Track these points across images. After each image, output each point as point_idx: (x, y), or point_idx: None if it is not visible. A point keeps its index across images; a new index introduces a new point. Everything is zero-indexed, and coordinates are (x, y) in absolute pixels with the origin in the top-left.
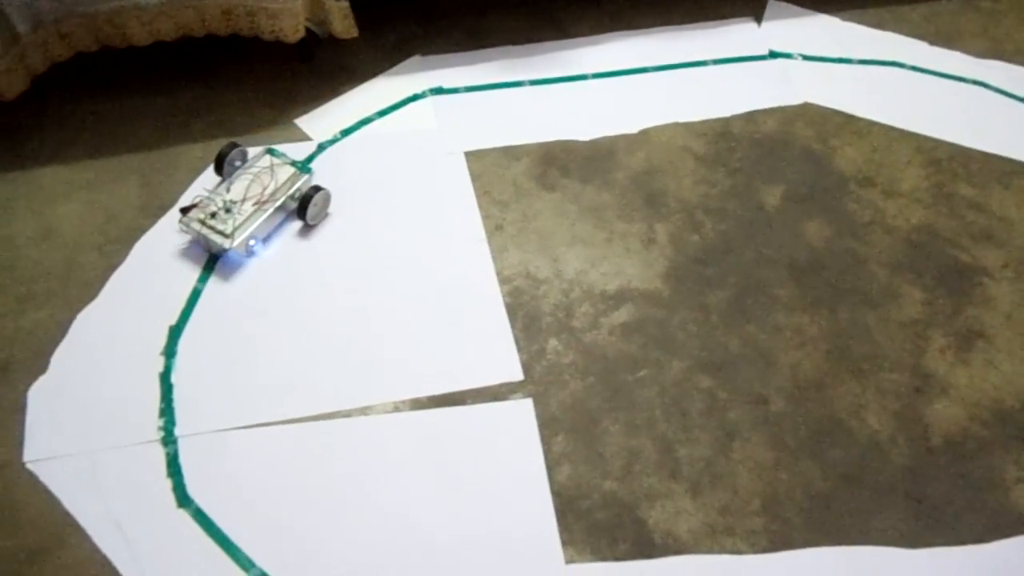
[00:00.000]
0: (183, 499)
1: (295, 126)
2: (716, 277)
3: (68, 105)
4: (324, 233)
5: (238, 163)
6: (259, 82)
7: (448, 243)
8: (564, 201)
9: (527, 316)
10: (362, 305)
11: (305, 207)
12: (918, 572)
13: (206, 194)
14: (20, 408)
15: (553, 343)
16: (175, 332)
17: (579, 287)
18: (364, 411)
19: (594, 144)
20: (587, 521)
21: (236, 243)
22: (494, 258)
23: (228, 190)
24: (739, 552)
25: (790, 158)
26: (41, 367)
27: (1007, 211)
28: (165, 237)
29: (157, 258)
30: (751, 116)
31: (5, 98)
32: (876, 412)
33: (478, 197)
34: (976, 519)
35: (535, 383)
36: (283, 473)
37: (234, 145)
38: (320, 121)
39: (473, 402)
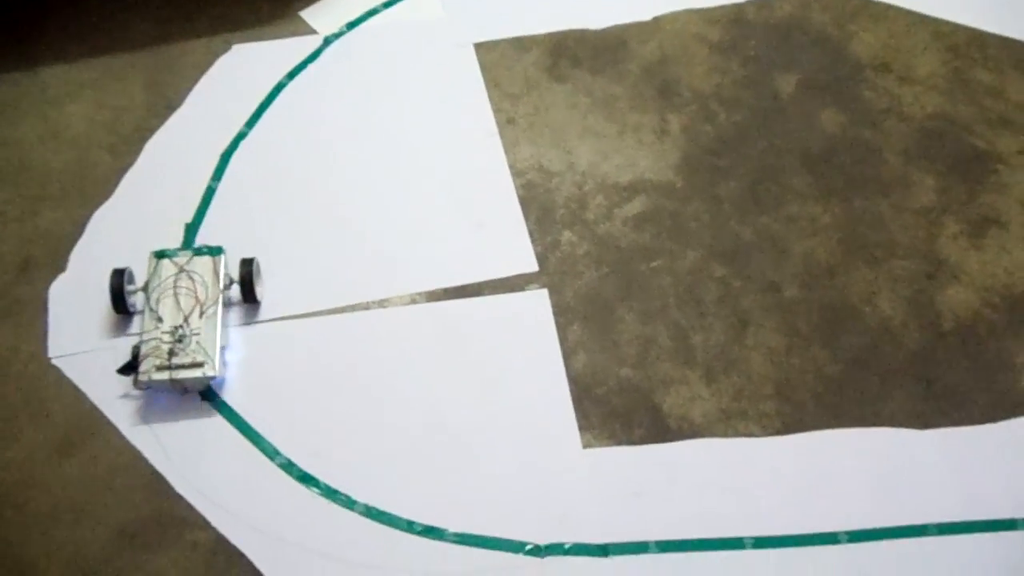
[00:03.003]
0: (206, 392)
1: (299, 19)
2: (729, 167)
3: (68, 3)
4: (336, 130)
5: (131, 285)
6: None
7: (460, 137)
8: (576, 93)
9: (541, 209)
10: (376, 200)
11: (250, 288)
12: (928, 452)
13: (140, 339)
14: (42, 305)
15: (567, 235)
16: (192, 229)
17: (592, 179)
18: (382, 303)
19: (605, 33)
20: (603, 407)
21: (218, 364)
22: (506, 152)
23: (159, 319)
24: (752, 435)
25: (805, 44)
26: (60, 265)
27: (1023, 97)
28: (175, 136)
29: (168, 157)
30: (766, 1)
31: None
32: (888, 298)
33: (488, 90)
34: (985, 400)
35: (550, 274)
36: (304, 365)
37: (119, 273)
38: (325, 13)
39: (489, 294)
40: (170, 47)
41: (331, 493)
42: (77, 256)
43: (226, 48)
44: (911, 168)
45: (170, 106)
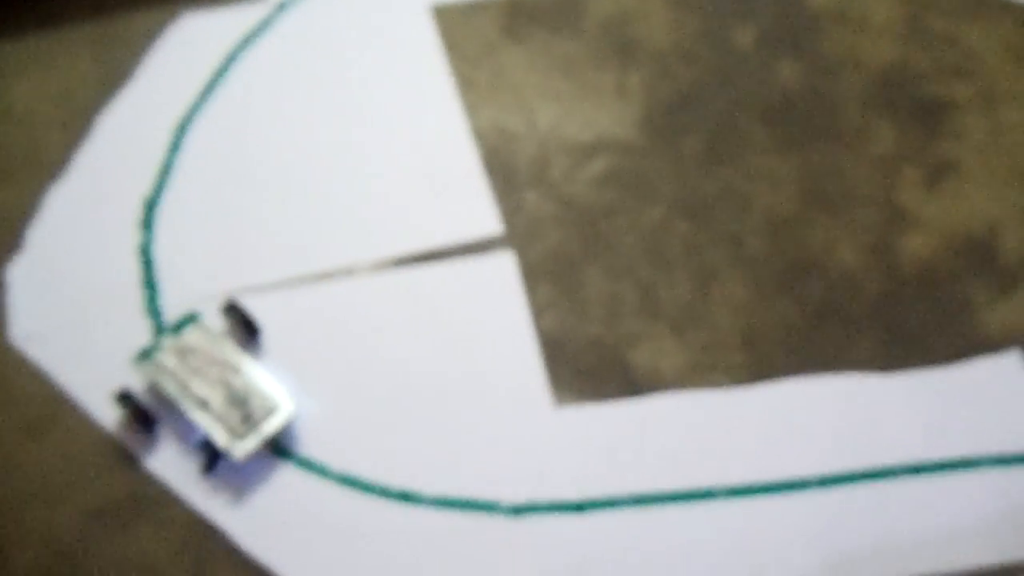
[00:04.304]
0: None
1: None
2: (690, 123)
3: None
4: (294, 98)
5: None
6: None
7: (420, 102)
8: (534, 53)
9: (504, 171)
10: (336, 168)
11: (252, 328)
12: (893, 395)
13: (202, 427)
14: (0, 287)
15: (531, 196)
16: (151, 204)
17: (554, 140)
18: (347, 271)
19: None
20: (573, 365)
21: (287, 397)
22: (467, 115)
23: (203, 403)
24: (722, 386)
25: None
26: (17, 245)
27: (978, 43)
28: (128, 110)
29: (122, 131)
30: None
31: None
32: (849, 247)
33: (447, 53)
34: (947, 343)
35: (515, 236)
36: (271, 337)
37: (126, 397)
38: None
39: (454, 257)
40: (118, 18)
41: (305, 463)
42: (34, 236)
43: (176, 17)
44: (869, 117)
45: (121, 79)
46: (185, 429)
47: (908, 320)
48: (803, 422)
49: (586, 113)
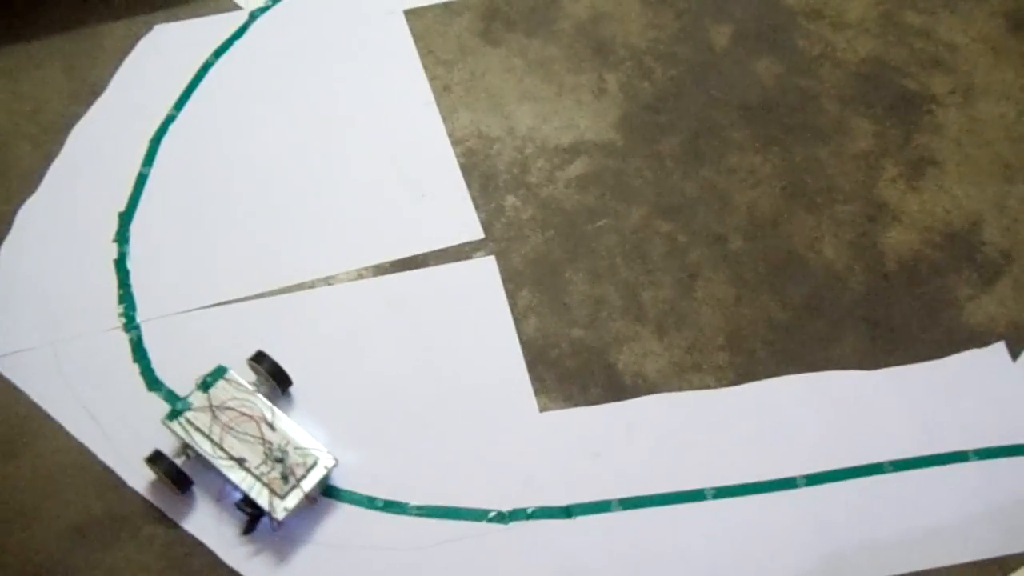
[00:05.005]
0: (152, 383)
1: None
2: (669, 123)
3: None
4: (269, 107)
5: (178, 459)
6: None
7: (396, 108)
8: (511, 56)
9: (483, 175)
10: (314, 177)
11: (283, 376)
12: (878, 391)
13: (234, 492)
14: None
15: (511, 200)
16: (125, 218)
17: (532, 143)
18: (327, 281)
19: None
20: (558, 369)
21: (325, 450)
22: (444, 120)
23: (241, 461)
24: (707, 387)
25: None
26: None
27: (953, 36)
28: (100, 123)
29: (95, 145)
30: None
31: None
32: (832, 243)
33: (422, 57)
34: (931, 337)
35: (496, 240)
36: (252, 347)
37: (159, 456)
38: None
39: (436, 263)
40: (89, 31)
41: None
42: (7, 252)
43: (147, 29)
44: (848, 113)
45: (93, 92)
46: (221, 488)
47: (892, 315)
48: (789, 421)
49: (564, 115)
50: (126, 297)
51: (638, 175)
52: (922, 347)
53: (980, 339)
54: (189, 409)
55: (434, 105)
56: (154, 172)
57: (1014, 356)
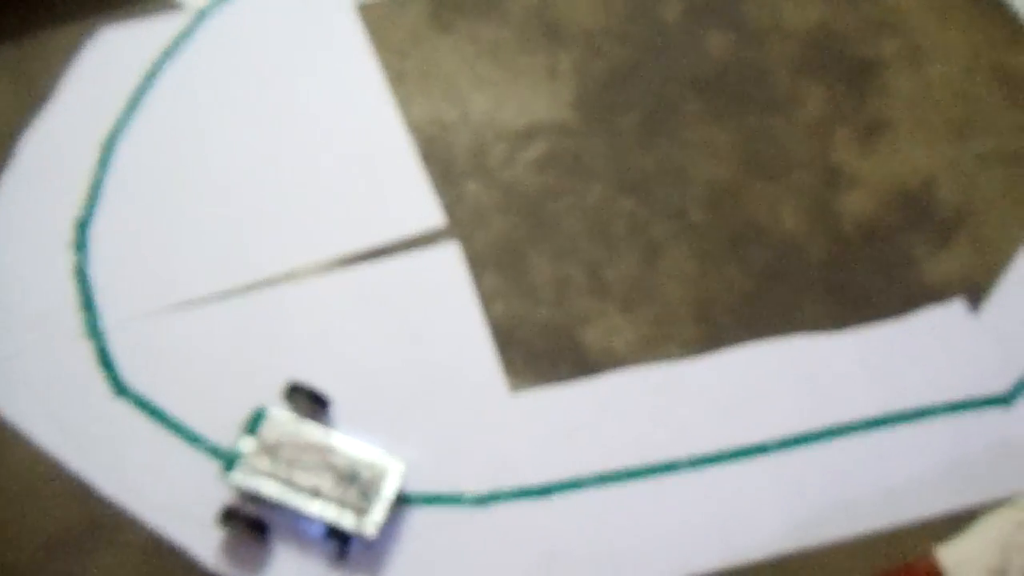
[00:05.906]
0: (120, 389)
1: None
2: (624, 100)
3: None
4: (223, 106)
5: (255, 505)
6: None
7: (350, 100)
8: (463, 42)
9: (442, 163)
10: (272, 172)
11: (319, 397)
12: (844, 352)
13: (322, 517)
14: None
15: (472, 186)
16: (83, 224)
17: (490, 127)
18: (290, 275)
19: None
20: (526, 349)
21: (389, 456)
22: (401, 109)
23: (315, 492)
24: (676, 358)
25: None
26: None
27: (900, 0)
28: (51, 130)
29: (47, 153)
30: None
31: None
32: (791, 211)
33: (375, 47)
34: (893, 297)
35: (459, 226)
36: (218, 348)
37: (233, 513)
38: None
39: (399, 252)
40: (33, 37)
41: None
42: None
43: (93, 32)
44: (799, 81)
45: (42, 100)
46: (300, 526)
47: (853, 278)
48: (759, 387)
49: (519, 98)
50: (88, 304)
51: (596, 153)
52: (884, 307)
53: (939, 295)
54: (246, 456)
55: (389, 94)
56: (110, 176)
57: (973, 310)
